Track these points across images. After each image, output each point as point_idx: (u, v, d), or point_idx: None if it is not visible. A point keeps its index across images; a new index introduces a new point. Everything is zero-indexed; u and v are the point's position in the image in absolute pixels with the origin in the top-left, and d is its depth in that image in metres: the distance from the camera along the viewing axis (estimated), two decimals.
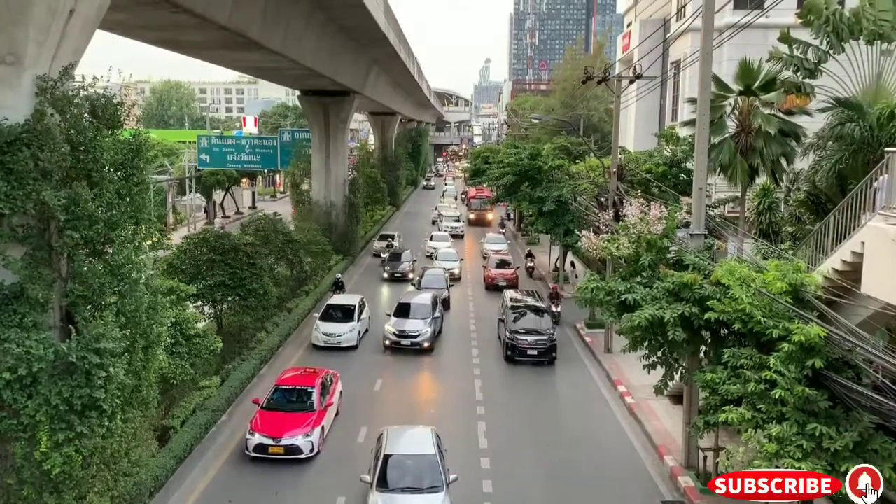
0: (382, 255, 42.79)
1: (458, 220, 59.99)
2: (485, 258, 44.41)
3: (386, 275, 39.47)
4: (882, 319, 13.26)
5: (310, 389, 19.25)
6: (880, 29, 16.99)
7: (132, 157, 13.19)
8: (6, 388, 11.17)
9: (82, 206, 11.78)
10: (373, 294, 35.24)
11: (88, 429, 11.63)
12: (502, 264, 39.14)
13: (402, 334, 26.77)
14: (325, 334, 26.48)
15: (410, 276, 38.50)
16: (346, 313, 27.40)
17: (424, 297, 29.13)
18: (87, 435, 11.64)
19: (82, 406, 11.49)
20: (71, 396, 11.35)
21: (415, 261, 41.18)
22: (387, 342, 26.92)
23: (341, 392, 20.88)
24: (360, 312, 27.89)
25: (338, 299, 29.06)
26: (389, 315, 28.00)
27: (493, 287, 36.87)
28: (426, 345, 26.69)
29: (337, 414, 20.15)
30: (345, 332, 26.53)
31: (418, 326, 26.93)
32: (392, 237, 48.44)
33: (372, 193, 58.53)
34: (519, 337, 25.31)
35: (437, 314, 28.48)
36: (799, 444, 11.41)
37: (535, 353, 25.17)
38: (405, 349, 26.64)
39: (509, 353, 25.30)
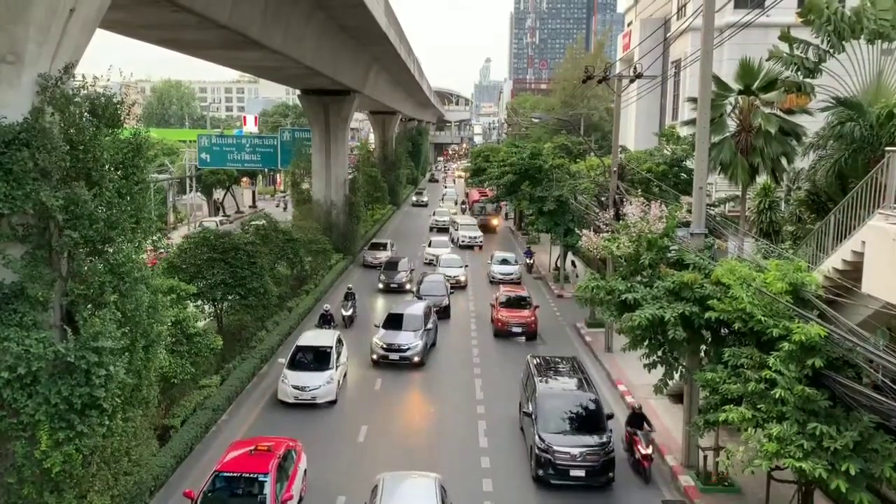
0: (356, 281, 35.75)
1: (476, 230, 51.76)
2: (491, 282, 37.88)
3: (381, 285, 36.29)
4: (882, 319, 13.26)
5: (262, 478, 14.13)
6: (881, 28, 16.97)
7: (132, 156, 13.20)
8: (6, 387, 11.17)
9: (81, 205, 11.77)
10: (366, 307, 32.70)
11: (89, 428, 11.63)
12: (516, 303, 29.44)
13: (390, 348, 24.69)
14: (295, 388, 20.85)
15: (408, 286, 35.68)
16: (320, 358, 21.75)
17: (416, 308, 26.99)
18: (87, 434, 11.63)
19: (82, 405, 11.49)
20: (71, 395, 11.34)
21: (412, 269, 38.41)
22: (374, 356, 24.85)
23: (305, 471, 15.94)
24: (339, 355, 22.53)
25: (309, 339, 23.13)
26: (378, 326, 26.03)
27: (504, 334, 28.42)
28: (416, 359, 24.66)
29: (300, 501, 15.58)
30: (321, 383, 20.95)
31: (408, 339, 24.87)
32: (385, 245, 44.79)
33: (372, 192, 58.59)
34: (558, 449, 16.36)
35: (429, 325, 26.32)
36: (799, 444, 11.41)
37: (581, 472, 16.31)
38: (395, 364, 24.57)
39: (541, 471, 16.49)
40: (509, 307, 28.90)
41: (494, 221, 59.34)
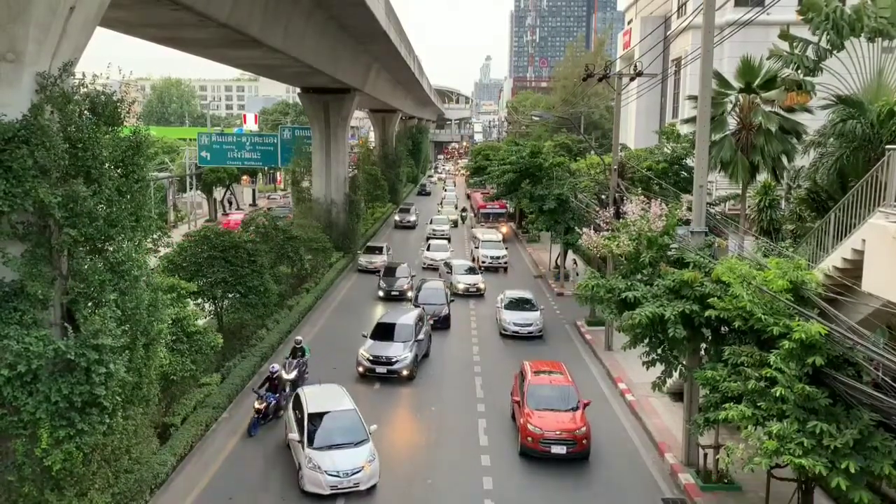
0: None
1: (501, 247, 43.54)
2: (502, 334, 28.39)
3: (381, 293, 34.32)
4: (882, 317, 13.27)
5: None
6: (881, 26, 16.97)
7: (132, 155, 13.20)
8: (6, 385, 11.19)
9: (80, 203, 11.78)
10: (366, 317, 30.04)
11: (89, 426, 11.65)
12: (556, 399, 18.54)
13: (377, 360, 23.01)
14: (331, 475, 15.60)
15: (410, 293, 33.19)
16: (347, 427, 16.83)
17: (407, 317, 25.16)
18: (87, 432, 11.65)
19: (83, 403, 11.51)
20: (71, 393, 11.36)
21: (413, 275, 36.09)
22: (360, 369, 23.19)
23: None
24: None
25: (317, 401, 17.54)
26: (366, 336, 24.33)
27: (539, 455, 17.71)
28: (405, 373, 22.95)
29: None
30: (361, 463, 15.89)
31: (396, 351, 23.18)
32: (381, 249, 42.84)
33: (372, 191, 58.53)
34: None
35: (420, 336, 24.51)
36: (799, 442, 11.41)
37: None
38: (383, 378, 22.93)
39: None
40: (545, 408, 18.22)
41: (504, 229, 52.77)
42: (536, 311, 28.95)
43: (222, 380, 20.76)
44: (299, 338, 23.00)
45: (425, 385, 23.25)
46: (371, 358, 23.18)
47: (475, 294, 34.99)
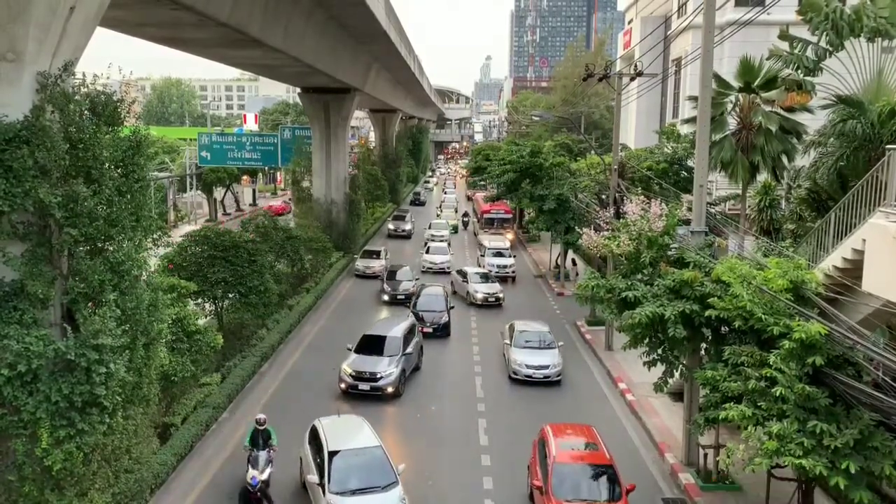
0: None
1: (509, 255, 41.16)
2: (512, 378, 23.50)
3: (387, 297, 33.32)
4: (883, 317, 13.27)
5: None
6: (880, 26, 16.96)
7: (132, 155, 13.21)
8: (6, 385, 11.19)
9: (80, 203, 11.79)
10: (367, 318, 29.02)
11: (89, 426, 11.65)
12: (594, 486, 14.42)
13: (360, 376, 21.48)
14: None
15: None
16: (373, 468, 14.84)
17: (396, 330, 23.59)
18: (87, 432, 11.66)
19: (83, 403, 11.52)
20: (71, 393, 11.36)
21: (417, 279, 35.08)
22: (342, 385, 21.70)
23: None
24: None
25: (341, 438, 15.46)
26: (350, 349, 22.85)
27: None
28: (390, 390, 21.40)
29: None
30: None
31: (382, 367, 21.66)
32: (379, 253, 41.20)
33: (373, 191, 58.49)
34: None
35: (409, 350, 23.09)
36: (799, 442, 11.41)
37: None
38: (366, 395, 21.35)
39: None
40: (576, 499, 13.92)
41: (510, 236, 49.03)
42: (555, 347, 24.16)
43: (222, 380, 20.77)
44: (262, 416, 16.25)
45: (421, 395, 23.21)
46: (354, 374, 21.67)
47: (494, 304, 33.09)
